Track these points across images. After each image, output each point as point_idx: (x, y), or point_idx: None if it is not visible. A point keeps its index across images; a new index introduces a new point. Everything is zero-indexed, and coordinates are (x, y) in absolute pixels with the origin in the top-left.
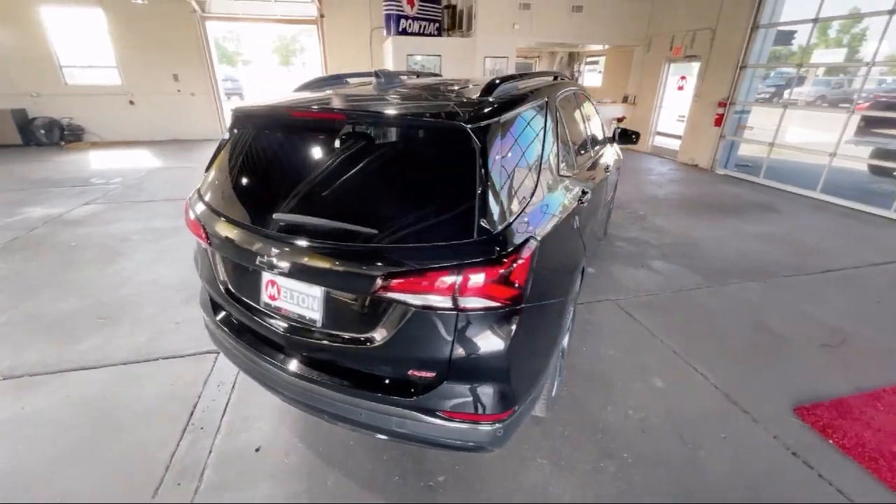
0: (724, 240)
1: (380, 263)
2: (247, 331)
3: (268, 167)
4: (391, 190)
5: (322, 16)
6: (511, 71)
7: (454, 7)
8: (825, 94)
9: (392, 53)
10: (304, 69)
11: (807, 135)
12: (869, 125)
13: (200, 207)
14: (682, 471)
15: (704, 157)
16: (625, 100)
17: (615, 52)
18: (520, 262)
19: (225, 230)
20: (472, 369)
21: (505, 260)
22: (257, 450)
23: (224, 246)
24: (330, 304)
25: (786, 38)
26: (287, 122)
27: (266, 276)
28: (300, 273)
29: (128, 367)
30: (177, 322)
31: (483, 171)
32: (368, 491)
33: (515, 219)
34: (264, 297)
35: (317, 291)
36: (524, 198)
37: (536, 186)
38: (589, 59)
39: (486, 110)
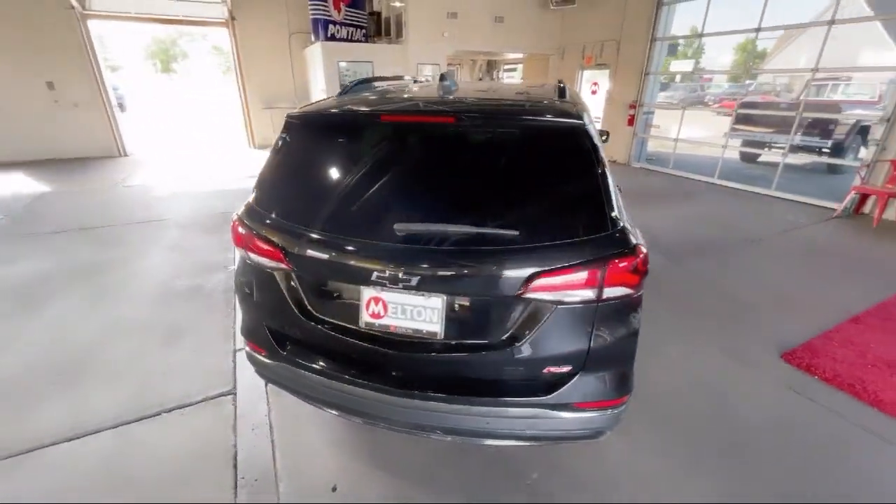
0: (665, 223)
1: (527, 265)
2: (334, 357)
3: (364, 176)
4: (518, 190)
5: (234, 18)
6: None
7: (379, 14)
8: (685, 97)
9: (321, 60)
10: (190, 77)
11: (686, 131)
12: (737, 122)
13: (268, 224)
14: (725, 422)
15: (621, 153)
16: None
17: (532, 60)
18: (644, 249)
19: (315, 247)
20: (606, 357)
21: (635, 248)
22: (334, 489)
23: (313, 264)
24: (454, 314)
25: (673, 49)
26: (378, 126)
27: (367, 294)
28: (426, 284)
29: (123, 429)
30: (166, 367)
31: (601, 166)
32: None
33: (622, 210)
34: (365, 317)
35: (437, 302)
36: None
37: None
38: (507, 67)
39: (582, 110)
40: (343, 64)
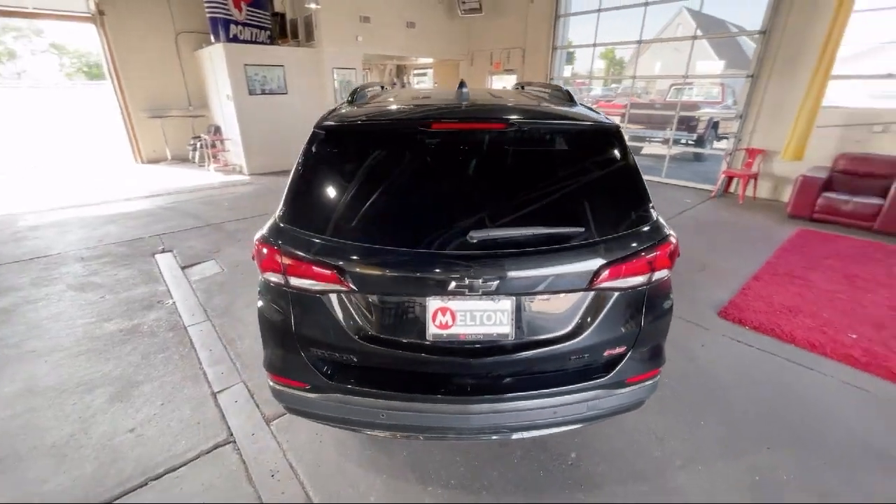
0: None
1: (595, 258)
2: (396, 376)
3: (419, 184)
4: (573, 189)
5: (102, 13)
6: (359, 81)
7: (283, 15)
8: None
9: (225, 63)
10: (22, 80)
11: None
12: (629, 121)
13: (315, 244)
14: (699, 377)
15: None
16: None
17: (442, 65)
18: (675, 236)
19: (379, 263)
20: (651, 333)
21: (668, 236)
22: None
23: (377, 282)
24: (522, 314)
25: (570, 57)
26: (427, 133)
27: (434, 305)
28: (502, 288)
29: None
30: (131, 429)
31: (634, 163)
32: (531, 494)
33: None
34: (432, 329)
35: (506, 304)
36: None
37: None
38: (416, 72)
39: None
40: (250, 68)
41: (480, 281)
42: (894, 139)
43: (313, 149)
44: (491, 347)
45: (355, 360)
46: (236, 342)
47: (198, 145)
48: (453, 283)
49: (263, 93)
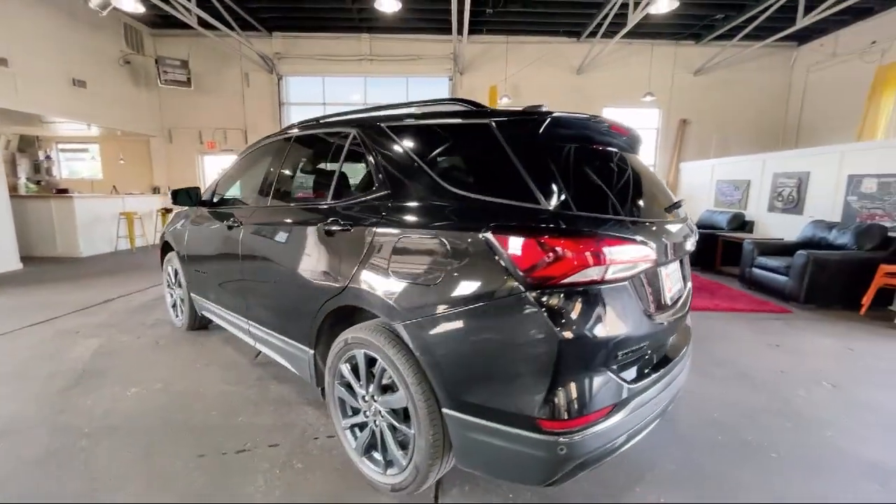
0: None
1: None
2: (654, 354)
3: (615, 170)
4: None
5: None
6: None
7: None
8: None
9: None
10: None
11: None
12: None
13: (621, 223)
14: None
15: None
16: (156, 191)
17: (119, 140)
18: None
19: (658, 233)
20: None
21: None
22: None
23: (663, 254)
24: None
25: None
26: (609, 132)
27: (664, 272)
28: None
29: None
30: None
31: None
32: (679, 445)
33: None
34: (666, 295)
35: (677, 262)
36: None
37: None
38: (66, 147)
39: None
40: None
41: (695, 239)
42: None
43: (545, 133)
44: (681, 301)
45: (647, 346)
46: None
47: None
48: (688, 245)
49: None
